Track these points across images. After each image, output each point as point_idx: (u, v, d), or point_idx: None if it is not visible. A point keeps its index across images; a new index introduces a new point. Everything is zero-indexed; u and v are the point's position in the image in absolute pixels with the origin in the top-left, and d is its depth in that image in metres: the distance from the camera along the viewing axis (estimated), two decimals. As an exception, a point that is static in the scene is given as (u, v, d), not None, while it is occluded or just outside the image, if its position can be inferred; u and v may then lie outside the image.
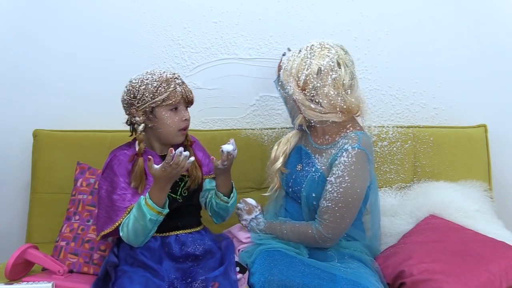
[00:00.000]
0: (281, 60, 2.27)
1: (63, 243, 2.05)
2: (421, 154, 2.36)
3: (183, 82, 1.91)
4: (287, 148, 1.99)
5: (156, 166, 1.74)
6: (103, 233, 1.84)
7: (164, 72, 1.90)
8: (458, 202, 2.15)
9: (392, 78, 2.49)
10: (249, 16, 2.46)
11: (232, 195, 1.99)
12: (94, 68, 2.47)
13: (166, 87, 1.85)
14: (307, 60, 1.83)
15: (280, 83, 2.08)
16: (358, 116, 1.92)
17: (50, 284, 1.82)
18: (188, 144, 1.98)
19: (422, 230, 2.04)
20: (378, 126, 2.40)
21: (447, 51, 2.48)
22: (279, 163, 1.98)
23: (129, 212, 1.82)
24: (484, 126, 2.41)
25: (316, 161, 1.91)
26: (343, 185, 1.80)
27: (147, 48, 2.47)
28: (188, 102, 1.92)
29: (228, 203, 1.97)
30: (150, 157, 1.75)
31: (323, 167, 1.88)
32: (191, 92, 1.93)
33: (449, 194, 2.18)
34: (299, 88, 1.84)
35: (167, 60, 2.48)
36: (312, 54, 1.84)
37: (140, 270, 1.78)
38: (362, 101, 1.89)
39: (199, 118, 2.48)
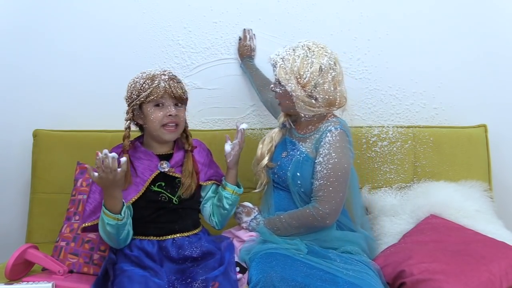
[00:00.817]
0: (239, 45, 2.46)
1: (63, 243, 2.05)
2: (421, 154, 2.36)
3: (171, 78, 1.89)
4: (272, 146, 2.08)
5: (95, 174, 1.72)
6: (84, 225, 1.86)
7: (156, 70, 1.91)
8: (458, 202, 2.15)
9: (392, 78, 2.49)
10: (249, 16, 2.46)
11: (241, 187, 2.03)
12: (94, 68, 2.47)
13: (150, 83, 1.86)
14: (308, 59, 1.93)
15: (245, 65, 2.41)
16: (341, 107, 2.02)
17: (50, 284, 1.81)
18: (189, 149, 1.96)
19: (422, 230, 2.04)
20: (378, 126, 2.40)
21: (447, 51, 2.48)
22: (265, 160, 2.06)
23: None
24: (484, 126, 2.41)
25: (301, 146, 2.02)
26: (331, 162, 1.92)
27: (147, 48, 2.47)
28: (176, 98, 1.88)
29: (240, 194, 2.00)
30: (88, 166, 1.73)
31: (308, 150, 2.00)
32: (181, 88, 1.90)
33: (449, 194, 2.18)
34: (300, 85, 1.94)
35: (167, 60, 2.48)
36: (312, 54, 1.94)
37: (139, 270, 1.78)
38: (346, 94, 2.03)
39: (199, 118, 2.48)
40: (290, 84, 1.93)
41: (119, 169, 1.71)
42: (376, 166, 2.35)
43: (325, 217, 1.90)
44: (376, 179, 2.35)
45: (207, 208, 2.02)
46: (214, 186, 2.03)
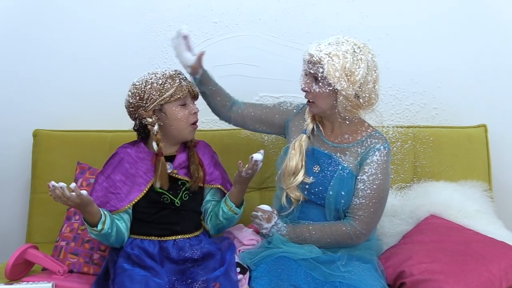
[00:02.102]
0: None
1: (63, 243, 2.05)
2: (421, 154, 2.36)
3: (186, 78, 1.93)
4: (303, 156, 1.92)
5: None
6: (83, 227, 1.89)
7: (165, 70, 1.92)
8: (458, 202, 2.15)
9: (392, 78, 2.48)
10: (249, 16, 2.46)
11: (242, 206, 1.96)
12: (94, 68, 2.47)
13: (172, 83, 1.86)
14: (357, 56, 1.82)
15: (200, 80, 1.96)
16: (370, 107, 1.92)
17: (50, 284, 1.82)
18: (191, 145, 1.96)
19: (422, 230, 2.04)
20: (378, 126, 2.40)
21: (447, 51, 2.48)
22: (301, 175, 1.90)
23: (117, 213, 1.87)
24: (484, 126, 2.40)
25: (340, 159, 1.91)
26: (376, 182, 1.85)
27: (147, 48, 2.47)
28: (194, 96, 1.93)
29: (237, 214, 1.93)
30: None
31: (351, 165, 1.89)
32: (196, 86, 1.94)
33: (449, 194, 2.18)
34: (350, 83, 1.82)
35: (167, 60, 2.47)
36: (359, 50, 1.83)
37: (140, 270, 1.78)
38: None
39: (199, 118, 2.46)
40: (341, 82, 1.80)
41: (73, 194, 1.68)
42: (376, 166, 2.34)
43: (360, 237, 1.86)
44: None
45: (205, 210, 2.00)
46: (213, 190, 2.00)
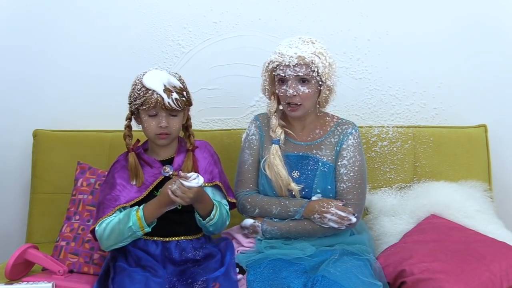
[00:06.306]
0: None
1: (63, 243, 2.05)
2: (421, 154, 2.36)
3: (167, 89, 1.84)
4: (283, 163, 1.92)
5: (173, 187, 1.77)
6: (91, 228, 1.87)
7: (155, 77, 1.87)
8: (458, 202, 2.15)
9: (392, 78, 2.49)
10: (249, 16, 2.46)
11: (213, 213, 1.89)
12: (94, 68, 2.47)
13: (144, 92, 1.84)
14: (326, 50, 1.90)
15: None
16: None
17: (50, 284, 1.82)
18: (190, 148, 1.95)
19: (423, 230, 2.04)
20: (378, 126, 2.40)
21: (447, 51, 2.48)
22: (295, 185, 1.91)
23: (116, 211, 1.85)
24: (484, 126, 2.40)
25: (318, 156, 1.94)
26: (356, 164, 1.92)
27: (147, 48, 2.47)
28: (168, 110, 1.86)
29: (210, 224, 1.89)
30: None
31: (329, 158, 1.94)
32: (176, 101, 1.84)
33: (449, 194, 2.18)
34: (332, 75, 1.90)
35: (167, 60, 2.48)
36: (320, 45, 1.90)
37: (139, 270, 1.79)
38: None
39: (199, 118, 2.48)
40: (331, 77, 1.88)
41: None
42: (376, 166, 2.35)
43: (355, 221, 1.90)
44: (376, 179, 2.34)
45: None
46: (213, 189, 1.97)
